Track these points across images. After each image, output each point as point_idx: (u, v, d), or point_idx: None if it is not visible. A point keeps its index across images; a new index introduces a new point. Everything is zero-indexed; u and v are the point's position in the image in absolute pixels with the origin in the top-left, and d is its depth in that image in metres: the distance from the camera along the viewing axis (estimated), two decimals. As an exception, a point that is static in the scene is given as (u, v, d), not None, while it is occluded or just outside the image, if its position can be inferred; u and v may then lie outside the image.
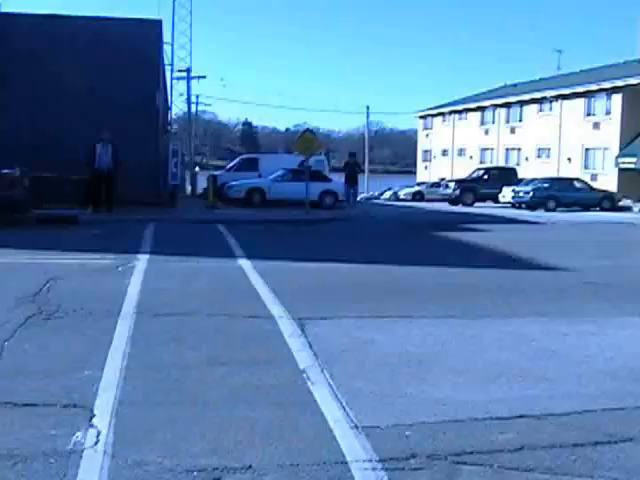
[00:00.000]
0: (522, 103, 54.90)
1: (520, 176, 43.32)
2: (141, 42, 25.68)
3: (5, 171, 18.03)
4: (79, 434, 4.69)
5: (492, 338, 7.45)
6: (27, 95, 24.65)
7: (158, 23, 26.95)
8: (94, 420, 4.93)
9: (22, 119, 24.28)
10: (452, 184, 42.92)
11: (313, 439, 4.70)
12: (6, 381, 5.72)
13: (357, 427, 4.91)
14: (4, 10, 26.13)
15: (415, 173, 74.03)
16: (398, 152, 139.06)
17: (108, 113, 24.44)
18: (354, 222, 23.82)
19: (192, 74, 57.59)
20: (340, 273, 11.97)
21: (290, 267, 12.46)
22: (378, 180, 75.72)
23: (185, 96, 56.96)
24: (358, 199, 37.67)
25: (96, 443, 4.56)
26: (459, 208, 36.80)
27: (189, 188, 44.08)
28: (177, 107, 66.91)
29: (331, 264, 13.00)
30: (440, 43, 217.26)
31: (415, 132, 79.89)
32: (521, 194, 37.42)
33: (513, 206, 37.57)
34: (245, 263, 12.52)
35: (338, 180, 34.03)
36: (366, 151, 78.53)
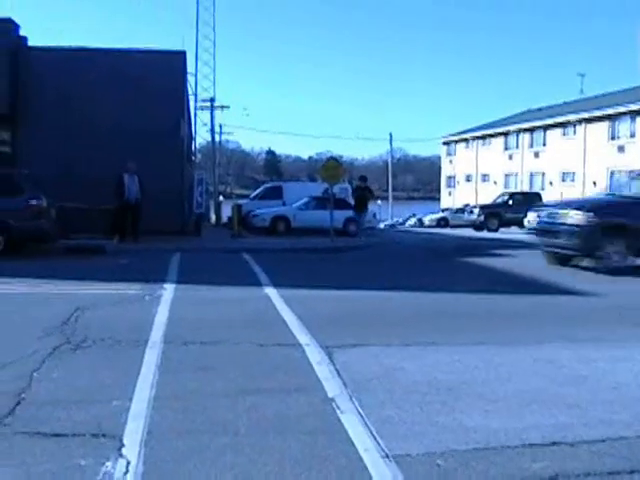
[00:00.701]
0: (546, 127, 54.79)
1: (545, 200, 43.13)
2: (165, 73, 25.93)
3: (33, 202, 18.18)
4: (109, 464, 4.68)
5: (522, 364, 7.37)
6: (53, 127, 24.90)
7: (182, 54, 27.22)
8: (123, 450, 4.91)
9: (48, 150, 24.52)
10: (476, 210, 42.83)
11: (344, 468, 4.66)
12: (35, 411, 5.72)
13: (388, 456, 4.86)
14: (30, 44, 26.43)
15: (439, 199, 73.98)
16: (421, 178, 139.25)
17: (133, 144, 24.64)
18: (379, 249, 23.78)
19: (216, 104, 58.18)
20: (366, 300, 11.92)
21: (316, 295, 12.42)
22: (402, 206, 75.83)
23: (209, 126, 57.47)
24: (381, 226, 37.68)
25: (126, 473, 4.55)
26: (484, 234, 36.67)
27: (213, 217, 44.27)
28: (201, 137, 67.63)
29: (357, 291, 12.96)
30: (463, 69, 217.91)
31: (438, 158, 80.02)
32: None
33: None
34: (271, 291, 12.51)
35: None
36: (389, 178, 78.60)
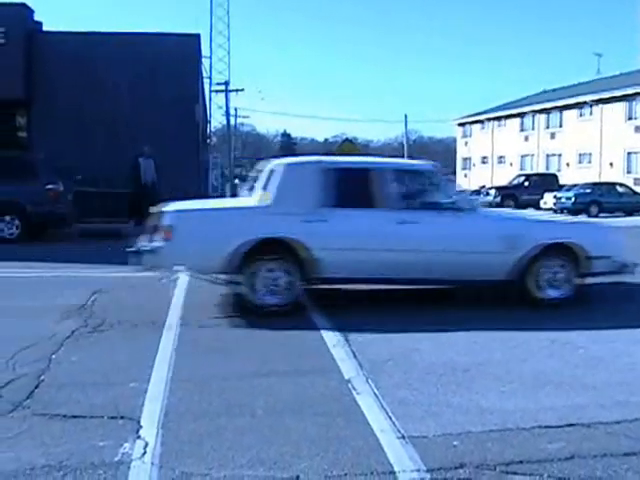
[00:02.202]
0: (562, 108, 54.40)
1: (561, 182, 42.95)
2: (180, 57, 25.86)
3: (49, 186, 18.26)
4: (127, 445, 4.72)
5: (538, 346, 7.37)
6: (68, 111, 24.91)
7: (196, 37, 27.16)
8: (141, 432, 4.96)
9: (63, 135, 24.56)
10: (492, 191, 42.68)
11: (360, 449, 4.68)
12: (54, 393, 5.78)
13: (404, 437, 4.88)
14: (45, 29, 26.47)
15: (455, 181, 73.77)
16: (437, 160, 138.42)
17: (148, 127, 24.64)
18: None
19: (230, 87, 58.07)
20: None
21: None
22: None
23: (224, 109, 57.43)
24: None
25: (144, 454, 4.59)
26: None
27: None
28: (216, 120, 67.49)
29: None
30: (478, 50, 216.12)
31: (454, 140, 79.65)
32: (563, 200, 37.06)
33: (555, 212, 37.20)
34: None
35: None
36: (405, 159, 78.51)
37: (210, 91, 54.17)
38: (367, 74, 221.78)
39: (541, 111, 57.18)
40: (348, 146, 25.99)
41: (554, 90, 63.39)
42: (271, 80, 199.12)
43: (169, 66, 25.53)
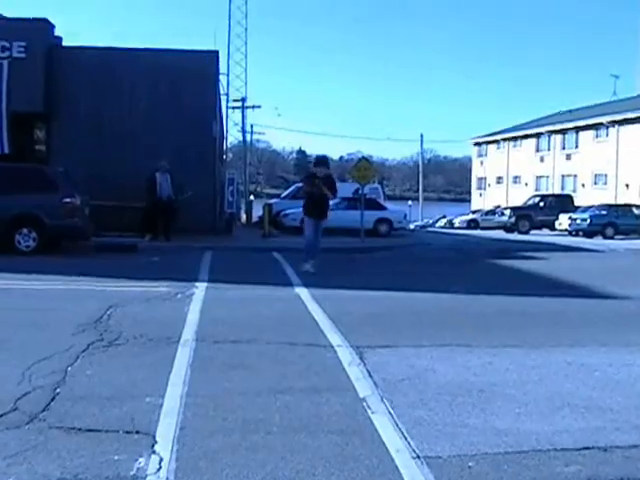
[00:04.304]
0: (578, 129, 54.36)
1: (577, 203, 42.81)
2: (199, 73, 26.01)
3: (67, 199, 18.34)
4: (142, 460, 4.72)
5: (554, 368, 7.33)
6: (87, 126, 25.09)
7: (215, 54, 27.31)
8: (156, 447, 4.95)
9: (82, 149, 24.70)
10: (507, 211, 42.60)
11: (375, 469, 4.66)
12: (70, 406, 5.78)
13: (419, 457, 4.86)
14: (65, 44, 26.66)
15: (469, 201, 73.66)
16: (452, 179, 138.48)
17: (166, 143, 24.83)
18: (409, 250, 23.76)
19: (247, 104, 58.36)
20: (397, 301, 11.92)
21: (347, 295, 12.43)
22: (432, 207, 75.51)
23: (240, 125, 57.66)
24: (412, 227, 37.59)
25: (159, 470, 4.59)
26: (515, 236, 36.46)
27: (244, 216, 44.36)
28: (232, 136, 67.62)
29: (388, 292, 12.95)
30: (494, 71, 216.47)
31: (469, 160, 79.60)
32: (578, 221, 36.97)
33: (570, 234, 37.08)
34: (302, 291, 12.55)
35: (393, 208, 34.04)
36: (420, 178, 78.41)
37: (227, 107, 54.51)
38: (383, 93, 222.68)
39: (557, 132, 57.15)
40: (364, 164, 25.97)
41: (570, 111, 63.34)
42: (287, 98, 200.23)
43: (188, 82, 25.71)
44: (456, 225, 52.11)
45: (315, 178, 15.71)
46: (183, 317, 9.67)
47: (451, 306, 11.44)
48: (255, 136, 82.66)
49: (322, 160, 16.49)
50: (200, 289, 12.50)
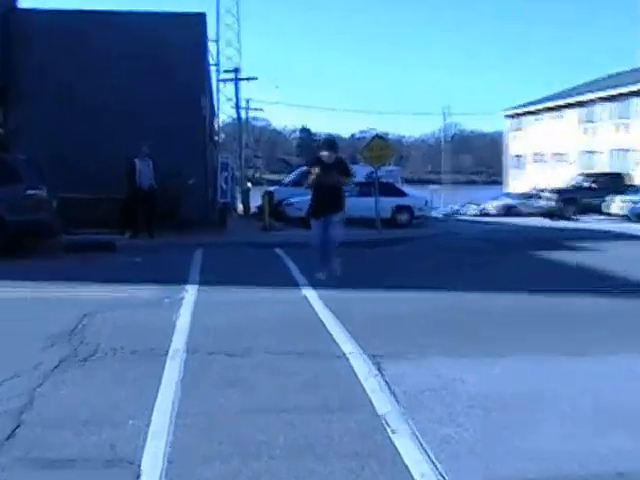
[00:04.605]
0: (630, 95, 53.92)
1: (631, 183, 42.62)
2: (182, 40, 25.78)
3: (31, 192, 18.24)
4: (125, 495, 4.75)
5: (601, 377, 7.34)
6: (52, 103, 24.59)
7: (201, 17, 27.10)
8: (142, 478, 4.97)
9: (47, 133, 24.22)
10: (549, 194, 42.44)
11: (396, 497, 4.69)
12: (38, 434, 5.78)
13: (447, 483, 4.88)
14: (22, 6, 26.38)
15: (503, 183, 73.45)
16: (482, 159, 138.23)
17: (145, 123, 24.49)
18: (434, 242, 23.75)
19: (241, 75, 58.20)
20: (420, 302, 11.92)
21: (362, 297, 12.46)
22: (460, 192, 75.30)
23: (234, 101, 57.54)
24: (436, 215, 37.54)
25: (145, 506, 4.61)
26: (558, 223, 36.37)
27: (240, 206, 44.39)
28: (225, 114, 67.62)
29: (409, 292, 12.94)
30: (525, 36, 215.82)
31: (501, 135, 79.24)
32: (630, 204, 36.83)
33: (629, 219, 36.93)
34: (309, 293, 12.60)
35: (414, 193, 34.03)
36: (442, 159, 78.17)
37: (218, 80, 54.33)
38: (396, 61, 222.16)
39: (606, 99, 56.79)
40: (379, 143, 25.97)
41: (618, 74, 62.86)
42: (287, 70, 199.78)
43: (171, 50, 25.43)
44: (489, 212, 51.96)
45: (322, 164, 14.58)
46: (171, 325, 9.71)
47: (483, 307, 11.44)
48: (251, 113, 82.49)
49: (330, 143, 15.44)
50: (190, 292, 12.54)
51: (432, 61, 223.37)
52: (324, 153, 14.61)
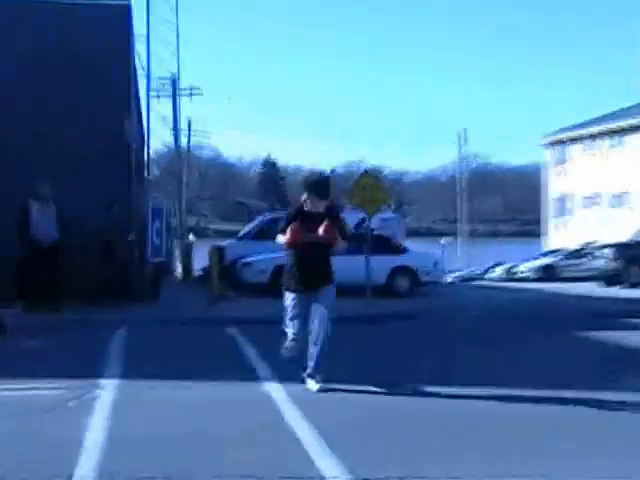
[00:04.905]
0: None
1: None
2: (100, 37, 25.84)
3: None
4: None
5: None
6: None
7: (126, 9, 27.15)
8: None
9: None
10: (606, 251, 42.42)
11: None
12: None
13: None
14: None
15: (541, 235, 73.75)
16: (512, 202, 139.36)
17: (48, 153, 24.45)
18: (444, 319, 23.74)
19: (181, 87, 58.43)
20: (422, 406, 11.92)
21: (346, 397, 12.37)
22: (481, 247, 75.56)
23: (171, 122, 57.67)
24: (449, 279, 37.59)
25: None
26: (619, 291, 36.40)
27: (180, 268, 44.47)
28: (158, 140, 67.63)
29: (400, 393, 12.91)
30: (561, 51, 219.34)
31: (539, 170, 79.59)
32: None
33: None
34: (275, 389, 12.57)
35: (418, 250, 34.10)
36: (458, 202, 78.32)
37: (148, 93, 54.29)
38: (396, 77, 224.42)
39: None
40: (369, 181, 26.00)
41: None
42: (244, 82, 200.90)
43: (83, 51, 25.47)
44: (520, 275, 52.16)
45: (307, 215, 13.28)
46: (79, 439, 9.54)
47: (511, 412, 11.44)
48: (195, 139, 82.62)
49: (321, 185, 13.69)
50: (107, 391, 12.42)
51: (439, 71, 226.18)
52: (310, 198, 13.30)
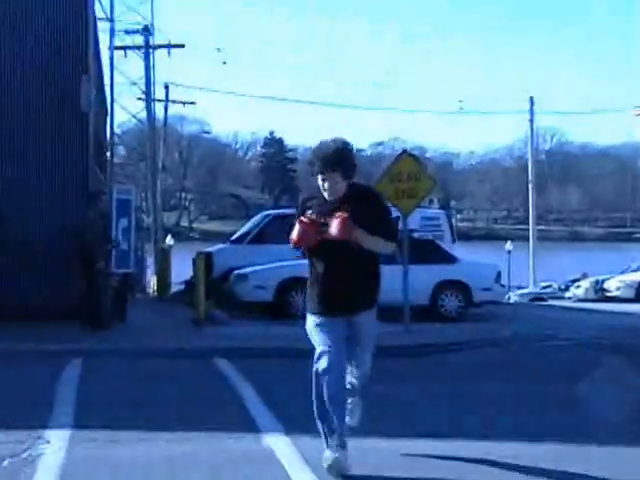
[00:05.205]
0: None
1: None
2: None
3: None
4: None
5: None
6: None
7: None
8: None
9: None
10: None
11: None
12: None
13: None
14: None
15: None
16: (602, 195, 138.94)
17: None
18: (510, 351, 23.68)
19: (156, 40, 58.47)
20: (485, 468, 11.83)
21: (378, 451, 12.32)
22: (558, 254, 75.49)
23: (142, 86, 57.74)
24: (513, 298, 37.41)
25: None
26: None
27: (153, 281, 44.54)
28: (124, 110, 67.42)
29: (465, 443, 12.88)
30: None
31: (636, 150, 79.68)
32: None
33: None
34: (280, 444, 12.54)
35: (471, 260, 34.10)
36: (530, 195, 78.11)
37: (111, 48, 54.32)
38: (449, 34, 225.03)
39: None
40: (409, 165, 25.89)
41: None
42: (239, 41, 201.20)
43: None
44: (612, 293, 52.11)
45: (322, 204, 11.28)
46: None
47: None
48: (176, 109, 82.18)
49: (338, 152, 11.22)
50: (55, 446, 12.39)
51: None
52: (325, 179, 11.20)
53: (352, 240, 10.72)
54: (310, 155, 11.70)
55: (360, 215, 10.73)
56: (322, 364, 10.96)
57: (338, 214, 10.61)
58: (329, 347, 11.02)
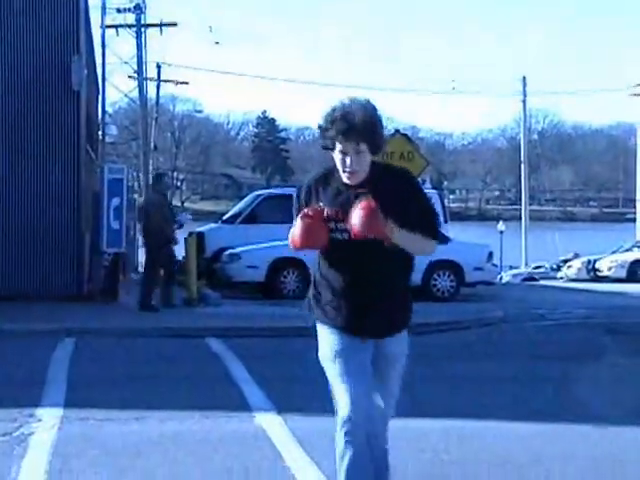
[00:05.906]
0: None
1: None
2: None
3: None
4: None
5: None
6: None
7: None
8: None
9: None
10: None
11: None
12: None
13: None
14: None
15: (635, 220, 73.68)
16: (594, 175, 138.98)
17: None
18: (504, 332, 23.71)
19: (147, 18, 58.34)
20: (477, 445, 11.90)
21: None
22: (550, 233, 75.12)
23: (134, 65, 57.63)
24: (505, 278, 37.33)
25: None
26: None
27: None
28: (116, 90, 67.24)
29: (457, 422, 13.00)
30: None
31: (631, 131, 79.44)
32: None
33: None
34: (271, 422, 12.55)
35: (464, 240, 34.08)
36: (522, 174, 78.14)
37: (102, 27, 54.23)
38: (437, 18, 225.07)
39: None
40: (401, 144, 25.94)
41: None
42: (232, 20, 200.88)
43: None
44: (603, 273, 52.15)
45: (338, 190, 8.10)
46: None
47: (604, 462, 11.39)
48: (168, 89, 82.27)
49: (368, 116, 7.87)
50: (47, 423, 12.41)
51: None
52: (342, 153, 7.89)
53: (382, 238, 7.68)
54: (323, 120, 8.02)
55: (391, 204, 7.77)
56: (351, 408, 7.86)
57: (362, 202, 7.54)
58: (363, 395, 7.96)
